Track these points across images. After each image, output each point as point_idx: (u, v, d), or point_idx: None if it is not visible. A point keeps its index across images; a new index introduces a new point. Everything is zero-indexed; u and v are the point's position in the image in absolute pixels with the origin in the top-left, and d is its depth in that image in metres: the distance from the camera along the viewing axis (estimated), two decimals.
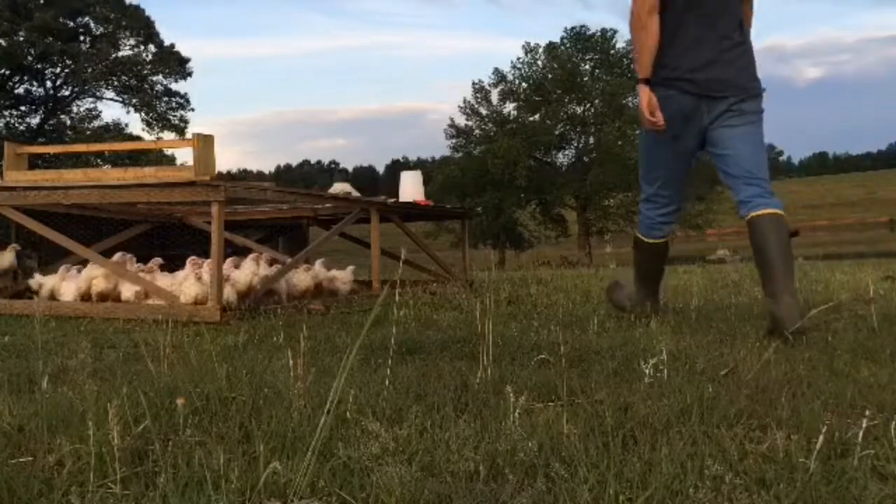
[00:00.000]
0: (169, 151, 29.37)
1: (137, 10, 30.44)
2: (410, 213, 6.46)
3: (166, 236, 6.01)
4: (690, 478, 1.25)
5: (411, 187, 6.47)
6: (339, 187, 6.25)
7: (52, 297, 4.58)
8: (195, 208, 5.80)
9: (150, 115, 31.17)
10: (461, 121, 37.56)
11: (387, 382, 1.93)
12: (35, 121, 31.15)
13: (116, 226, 5.48)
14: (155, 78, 31.30)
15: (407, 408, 1.73)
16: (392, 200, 6.10)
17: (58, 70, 30.38)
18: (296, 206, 5.97)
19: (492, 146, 34.15)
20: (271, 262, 4.82)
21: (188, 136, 4.18)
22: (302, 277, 4.96)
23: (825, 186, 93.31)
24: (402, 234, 6.33)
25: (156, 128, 31.13)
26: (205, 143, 4.15)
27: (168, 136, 30.80)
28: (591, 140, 36.24)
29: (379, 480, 1.27)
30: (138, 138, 29.64)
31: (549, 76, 35.86)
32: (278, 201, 5.35)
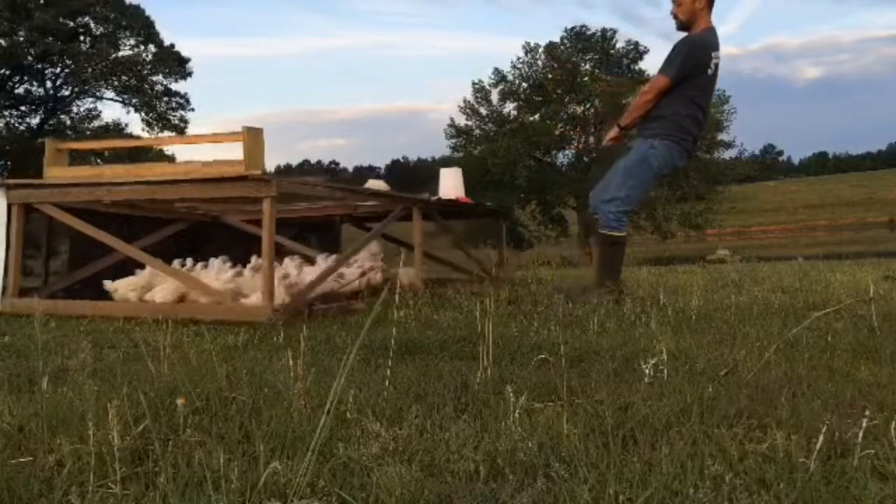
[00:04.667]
0: (169, 151, 29.42)
1: (137, 10, 30.48)
2: (451, 211, 6.16)
3: (200, 236, 5.77)
4: (690, 478, 1.25)
5: (452, 184, 6.18)
6: (372, 184, 6.07)
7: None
8: (232, 206, 5.62)
9: (150, 115, 31.22)
10: (461, 121, 37.53)
11: (387, 382, 1.92)
12: (35, 121, 31.19)
13: (148, 225, 5.24)
14: (155, 78, 31.35)
15: (407, 408, 1.73)
16: (435, 198, 5.86)
17: (58, 70, 30.41)
18: (326, 206, 5.78)
19: (492, 146, 34.14)
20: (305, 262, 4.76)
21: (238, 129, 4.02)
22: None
23: (825, 186, 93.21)
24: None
25: (156, 128, 31.19)
26: (254, 137, 3.97)
27: (168, 135, 30.83)
28: (591, 140, 36.23)
29: (379, 480, 1.27)
30: (137, 138, 29.65)
31: (549, 76, 35.85)
32: (327, 197, 5.19)
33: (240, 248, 5.39)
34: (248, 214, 5.71)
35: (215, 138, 4.32)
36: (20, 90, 30.60)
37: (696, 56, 4.21)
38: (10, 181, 4.58)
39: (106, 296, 4.51)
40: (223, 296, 4.09)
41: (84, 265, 4.86)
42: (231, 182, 3.92)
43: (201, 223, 5.81)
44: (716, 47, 4.27)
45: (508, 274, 6.29)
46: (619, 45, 36.25)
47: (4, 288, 4.32)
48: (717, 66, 4.27)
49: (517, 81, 36.77)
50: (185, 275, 4.33)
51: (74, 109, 32.04)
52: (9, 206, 4.42)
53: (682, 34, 4.30)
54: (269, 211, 3.81)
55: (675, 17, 4.30)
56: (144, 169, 4.47)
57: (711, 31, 4.27)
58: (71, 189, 4.35)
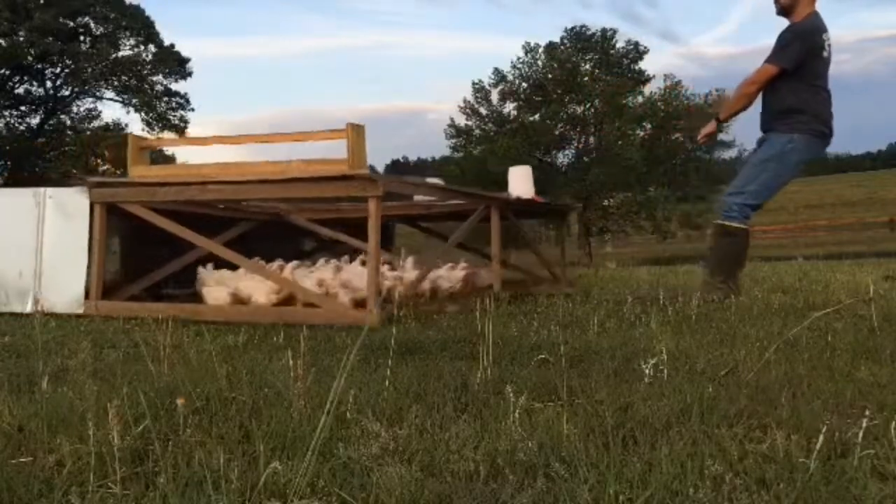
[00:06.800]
0: (169, 151, 29.38)
1: (137, 10, 30.46)
2: (524, 211, 6.04)
3: (263, 235, 5.56)
4: (690, 478, 1.25)
5: (522, 183, 5.99)
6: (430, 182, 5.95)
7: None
8: (299, 206, 5.48)
9: (150, 115, 31.19)
10: (461, 121, 37.48)
11: (387, 382, 1.93)
12: (35, 121, 31.19)
13: (213, 224, 4.97)
14: (155, 78, 31.33)
15: (407, 408, 1.73)
16: (515, 197, 5.73)
17: (58, 70, 30.39)
18: (385, 206, 5.66)
19: (492, 146, 34.12)
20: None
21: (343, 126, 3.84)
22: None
23: (825, 186, 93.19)
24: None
25: (156, 128, 31.16)
26: (357, 134, 3.82)
27: (168, 135, 30.79)
28: (591, 140, 36.22)
29: (379, 480, 1.27)
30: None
31: (549, 76, 35.81)
32: (426, 195, 5.04)
33: (292, 247, 5.35)
34: (313, 213, 5.59)
35: (319, 135, 4.15)
36: (20, 90, 30.59)
37: (807, 41, 4.09)
38: (92, 179, 4.45)
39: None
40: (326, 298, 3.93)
41: (136, 264, 4.72)
42: (335, 181, 3.80)
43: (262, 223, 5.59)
44: (825, 29, 4.14)
45: (572, 276, 6.17)
46: (619, 45, 36.23)
47: (87, 290, 4.18)
48: (830, 47, 4.14)
49: (517, 81, 36.73)
50: (284, 278, 4.20)
51: (74, 109, 32.03)
52: (91, 206, 4.25)
53: (784, 21, 4.18)
54: (376, 211, 3.72)
55: (776, 0, 4.19)
56: (238, 167, 4.27)
57: (816, 16, 4.15)
58: (159, 188, 4.19)
